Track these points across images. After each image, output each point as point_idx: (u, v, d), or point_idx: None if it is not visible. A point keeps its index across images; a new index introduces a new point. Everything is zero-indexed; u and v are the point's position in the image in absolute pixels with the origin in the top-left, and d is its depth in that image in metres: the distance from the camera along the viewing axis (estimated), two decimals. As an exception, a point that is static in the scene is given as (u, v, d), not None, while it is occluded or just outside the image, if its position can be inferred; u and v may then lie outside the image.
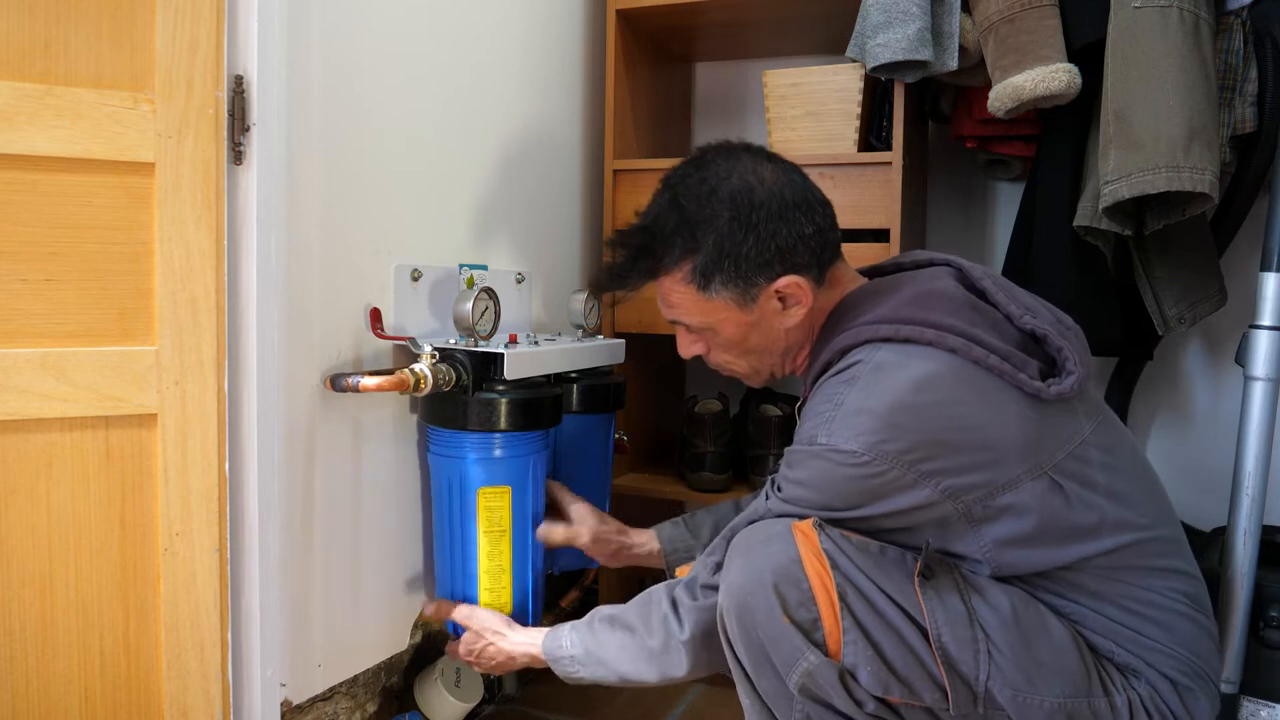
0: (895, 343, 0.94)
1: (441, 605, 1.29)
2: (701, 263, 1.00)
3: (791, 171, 1.04)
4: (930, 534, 0.93)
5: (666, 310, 1.09)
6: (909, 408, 0.89)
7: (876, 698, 0.87)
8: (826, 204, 1.05)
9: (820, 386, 0.98)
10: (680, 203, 1.02)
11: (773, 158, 1.05)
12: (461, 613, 1.26)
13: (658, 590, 1.09)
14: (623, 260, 1.05)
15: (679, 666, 1.05)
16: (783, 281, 1.00)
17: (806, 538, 0.91)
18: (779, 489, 0.99)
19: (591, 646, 1.11)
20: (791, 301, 1.02)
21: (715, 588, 0.99)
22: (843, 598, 0.87)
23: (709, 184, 1.00)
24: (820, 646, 0.87)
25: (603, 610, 1.13)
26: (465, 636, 1.25)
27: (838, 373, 0.97)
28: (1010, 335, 0.95)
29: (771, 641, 0.89)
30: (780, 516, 0.96)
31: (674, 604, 1.06)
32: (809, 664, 0.87)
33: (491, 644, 1.22)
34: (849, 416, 0.90)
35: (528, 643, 1.19)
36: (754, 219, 0.98)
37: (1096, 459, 0.93)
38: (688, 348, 1.13)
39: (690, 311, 1.06)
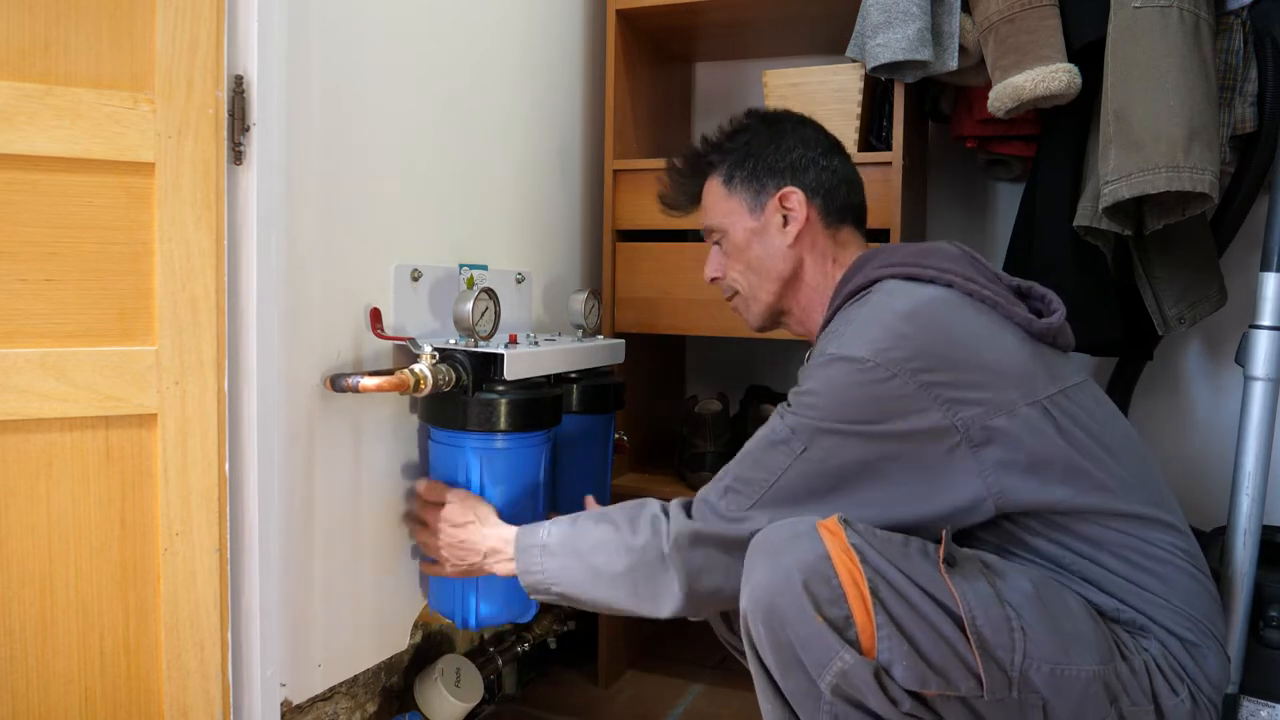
0: (900, 279, 1.03)
1: (434, 484, 1.26)
2: (732, 161, 1.19)
3: (837, 141, 1.21)
4: (933, 470, 0.94)
5: (701, 216, 1.24)
6: (914, 319, 0.96)
7: (910, 693, 0.86)
8: (858, 179, 1.20)
9: (833, 322, 1.06)
10: (734, 124, 1.23)
11: (828, 132, 1.22)
12: (445, 493, 1.23)
13: (652, 500, 1.08)
14: (684, 158, 1.26)
15: (657, 577, 1.02)
16: (787, 190, 1.14)
17: (833, 534, 0.89)
18: (789, 404, 1.01)
19: (568, 536, 1.08)
20: (791, 217, 1.14)
21: (727, 518, 0.99)
22: (874, 592, 0.86)
23: (764, 115, 1.22)
24: (854, 644, 0.86)
25: (592, 510, 1.14)
26: (444, 511, 1.21)
27: (844, 309, 1.05)
28: (1003, 285, 1.04)
29: (803, 642, 0.87)
30: (793, 430, 0.97)
31: (665, 511, 1.05)
32: (844, 664, 0.85)
33: (467, 525, 1.18)
34: (859, 329, 0.97)
35: (500, 535, 1.15)
36: (780, 134, 1.18)
37: (1087, 406, 0.98)
38: (711, 268, 1.24)
39: (714, 210, 1.21)
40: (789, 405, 1.01)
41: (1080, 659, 0.88)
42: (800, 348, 1.98)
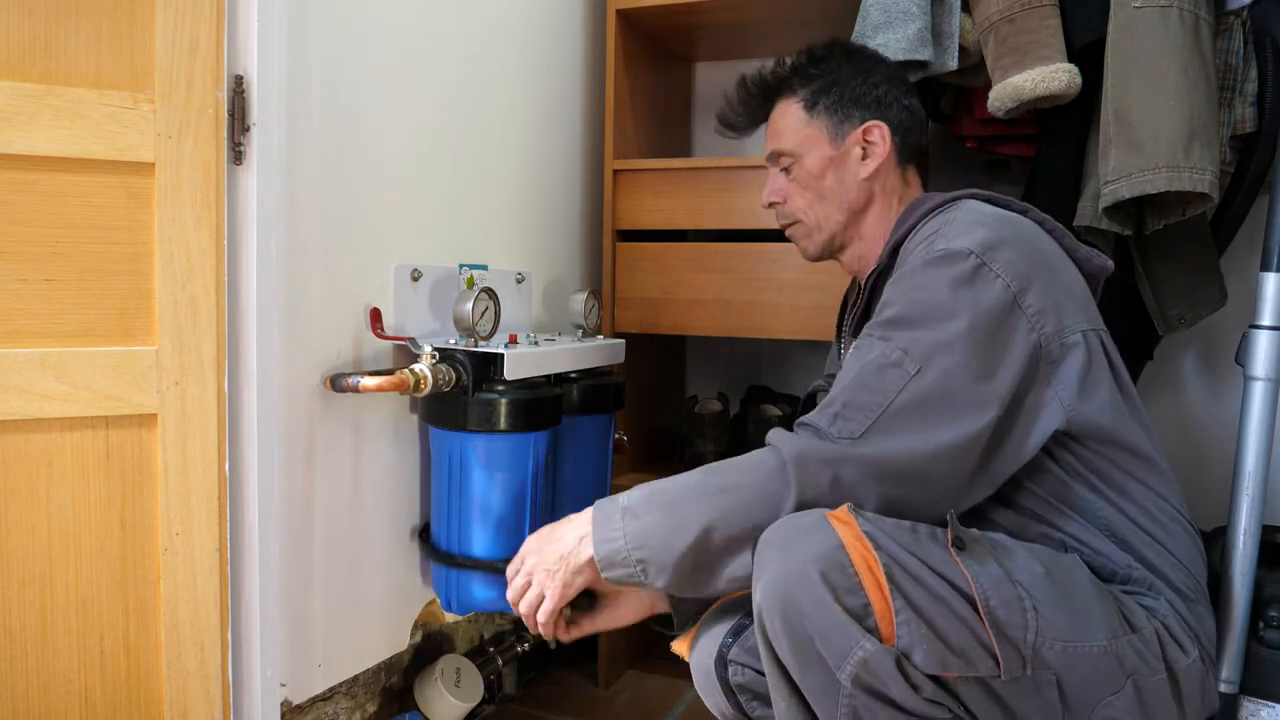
0: (978, 199, 1.07)
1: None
2: (816, 87, 1.16)
3: (912, 85, 1.22)
4: (1016, 395, 0.94)
5: (769, 141, 1.20)
6: (1007, 224, 1.00)
7: (931, 677, 0.85)
8: (928, 122, 1.20)
9: (916, 231, 1.06)
10: (814, 50, 1.20)
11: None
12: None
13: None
14: (757, 80, 1.22)
15: (771, 488, 0.92)
16: (872, 123, 1.14)
17: (845, 524, 0.88)
18: (893, 321, 0.96)
19: (651, 493, 0.97)
20: (871, 151, 1.14)
21: (838, 441, 0.93)
22: (890, 577, 0.85)
23: (843, 46, 1.21)
24: (873, 632, 0.84)
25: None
26: (524, 548, 1.05)
27: (928, 219, 1.06)
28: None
29: (822, 634, 0.85)
30: (905, 350, 0.94)
31: (768, 443, 0.96)
32: (865, 653, 0.84)
33: (550, 535, 1.02)
34: (960, 229, 0.99)
35: (581, 519, 1.00)
36: (868, 68, 1.17)
37: (1117, 353, 1.02)
38: (771, 192, 1.21)
39: (788, 135, 1.17)
40: (893, 323, 0.97)
41: (1091, 635, 0.88)
42: (798, 348, 1.98)
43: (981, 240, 0.96)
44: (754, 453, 0.97)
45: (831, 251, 1.20)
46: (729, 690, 1.04)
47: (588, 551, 0.97)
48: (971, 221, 1.00)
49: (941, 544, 0.89)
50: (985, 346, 0.93)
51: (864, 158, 1.15)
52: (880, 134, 1.14)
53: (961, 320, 0.93)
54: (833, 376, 1.23)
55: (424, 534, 1.36)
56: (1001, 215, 1.02)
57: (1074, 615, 0.89)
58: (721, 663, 1.04)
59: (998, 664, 0.85)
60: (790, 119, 1.18)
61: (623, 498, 0.98)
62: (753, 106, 1.23)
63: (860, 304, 1.14)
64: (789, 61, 1.21)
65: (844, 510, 0.90)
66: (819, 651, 0.86)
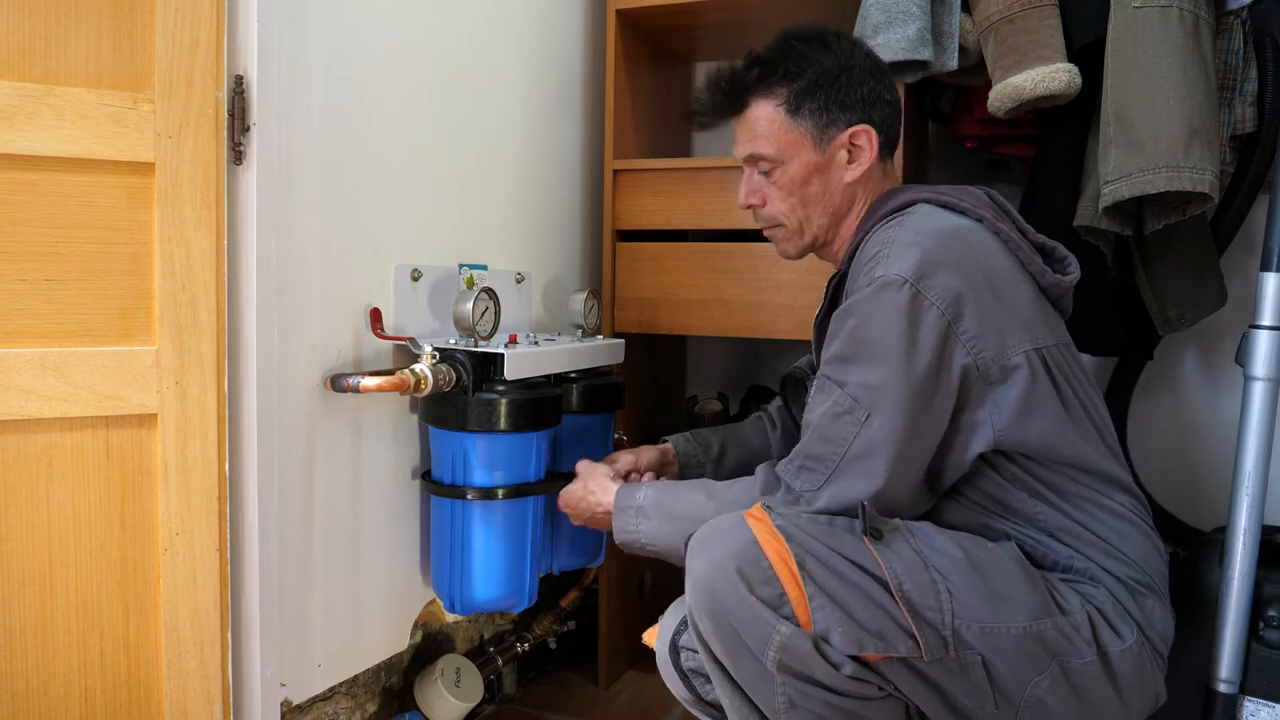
0: (934, 204, 1.06)
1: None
2: (798, 88, 1.10)
3: (886, 67, 1.17)
4: (960, 409, 0.98)
5: (745, 143, 1.14)
6: (948, 243, 0.99)
7: (852, 658, 0.90)
8: (900, 104, 1.18)
9: (868, 238, 1.06)
10: (790, 41, 1.12)
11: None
12: (581, 465, 1.28)
13: (761, 468, 1.10)
14: (729, 76, 1.14)
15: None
16: (859, 128, 1.10)
17: (759, 520, 0.94)
18: (840, 359, 1.00)
19: (664, 499, 1.12)
20: (858, 154, 1.11)
21: (799, 497, 1.01)
22: (802, 565, 0.90)
23: (819, 34, 1.13)
24: (790, 619, 0.90)
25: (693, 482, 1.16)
26: (572, 485, 1.26)
27: (877, 230, 1.06)
28: (1025, 237, 1.07)
29: (743, 624, 0.91)
30: (855, 399, 0.98)
31: (757, 483, 1.08)
32: (782, 636, 0.89)
33: (588, 495, 1.23)
34: (900, 250, 0.98)
35: (607, 498, 1.20)
36: (853, 64, 1.10)
37: (1074, 367, 1.03)
38: (748, 194, 1.17)
39: (769, 139, 1.12)
40: (841, 361, 1.00)
41: (1010, 616, 0.91)
42: (798, 348, 1.98)
43: (916, 264, 0.96)
44: (744, 483, 1.09)
45: (813, 250, 1.20)
46: (683, 675, 1.10)
47: (610, 527, 1.18)
48: (909, 242, 0.99)
49: (858, 535, 0.94)
50: (924, 385, 0.96)
51: (850, 161, 1.11)
52: (868, 138, 1.10)
53: (899, 359, 0.96)
54: (810, 363, 1.29)
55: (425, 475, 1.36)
56: (946, 231, 1.00)
57: (992, 598, 0.92)
58: (674, 649, 1.10)
59: (918, 644, 0.89)
60: (770, 123, 1.11)
61: (639, 494, 1.14)
62: (724, 105, 1.15)
63: (824, 304, 1.16)
64: (762, 55, 1.13)
65: (758, 508, 0.96)
66: (745, 642, 0.92)
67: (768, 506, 0.97)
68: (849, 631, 0.89)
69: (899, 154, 1.25)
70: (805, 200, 1.13)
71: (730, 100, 1.14)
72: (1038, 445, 0.98)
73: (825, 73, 1.09)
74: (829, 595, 0.90)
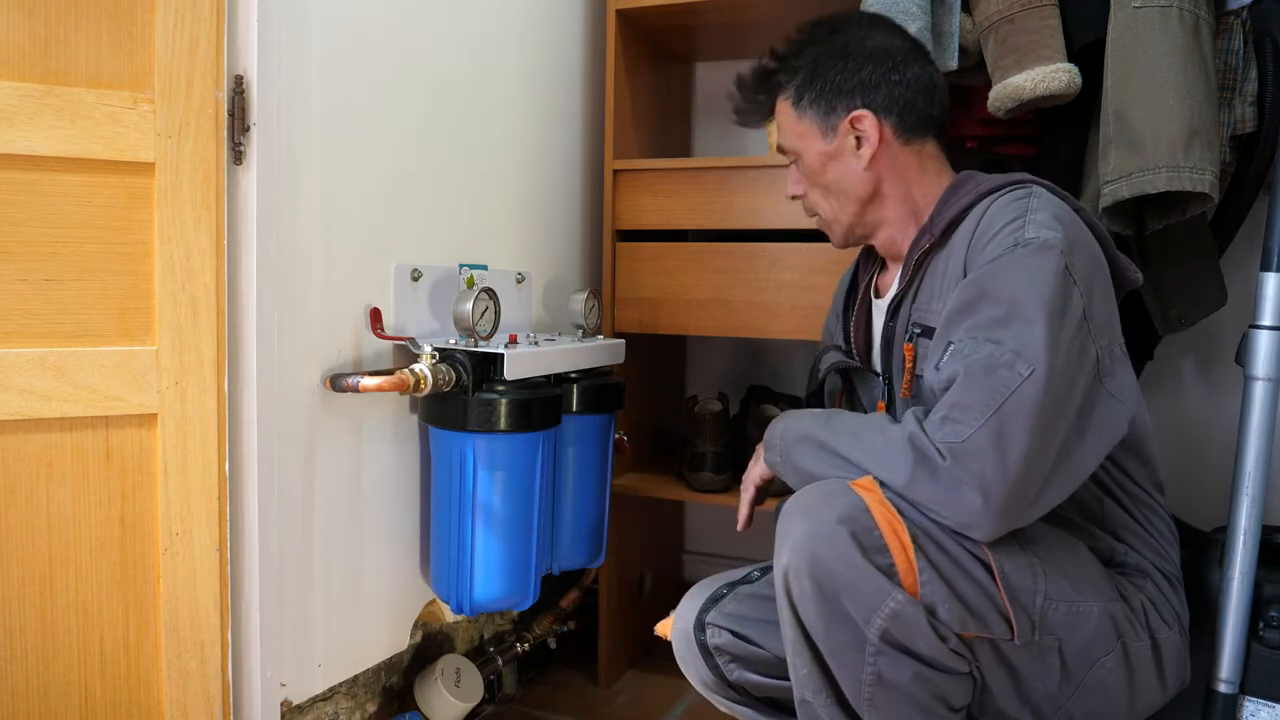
0: (1041, 187, 1.02)
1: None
2: (798, 81, 1.12)
3: (916, 44, 1.14)
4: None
5: (779, 138, 1.18)
6: (1077, 227, 0.97)
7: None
8: (938, 85, 1.12)
9: (988, 211, 1.00)
10: (797, 37, 1.15)
11: (906, 35, 1.15)
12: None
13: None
14: (751, 80, 1.18)
15: (896, 453, 0.94)
16: (857, 113, 1.08)
17: (869, 490, 0.92)
18: (988, 319, 0.92)
19: (803, 435, 1.06)
20: (864, 139, 1.09)
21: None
22: (915, 539, 0.89)
23: (827, 22, 1.15)
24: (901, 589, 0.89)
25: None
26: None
27: (998, 198, 1.01)
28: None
29: (850, 589, 0.88)
30: (1017, 352, 0.89)
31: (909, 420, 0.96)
32: (896, 604, 0.87)
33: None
34: (1046, 218, 0.96)
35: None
36: (847, 50, 1.10)
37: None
38: (790, 185, 1.19)
39: (787, 134, 1.15)
40: (990, 321, 0.92)
41: (1091, 597, 0.94)
42: (798, 348, 1.98)
43: (1064, 239, 0.94)
44: (882, 426, 0.98)
45: (859, 239, 1.17)
46: (707, 653, 1.09)
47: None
48: (1053, 215, 0.96)
49: None
50: (1079, 357, 0.92)
51: (858, 147, 1.10)
52: (868, 122, 1.08)
53: (1069, 320, 0.91)
54: (834, 344, 1.25)
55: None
56: (1072, 216, 0.99)
57: (1076, 579, 0.94)
58: (700, 627, 1.09)
59: (1011, 628, 0.91)
60: (784, 116, 1.15)
61: (778, 429, 1.10)
62: (757, 102, 1.20)
63: (905, 281, 1.09)
64: (773, 51, 1.16)
65: (868, 479, 0.94)
66: (846, 609, 0.90)
67: (878, 479, 0.92)
68: (954, 609, 0.89)
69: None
70: (827, 190, 1.14)
71: (759, 100, 1.18)
72: (1137, 431, 1.00)
73: (822, 62, 1.11)
74: (937, 570, 0.89)
